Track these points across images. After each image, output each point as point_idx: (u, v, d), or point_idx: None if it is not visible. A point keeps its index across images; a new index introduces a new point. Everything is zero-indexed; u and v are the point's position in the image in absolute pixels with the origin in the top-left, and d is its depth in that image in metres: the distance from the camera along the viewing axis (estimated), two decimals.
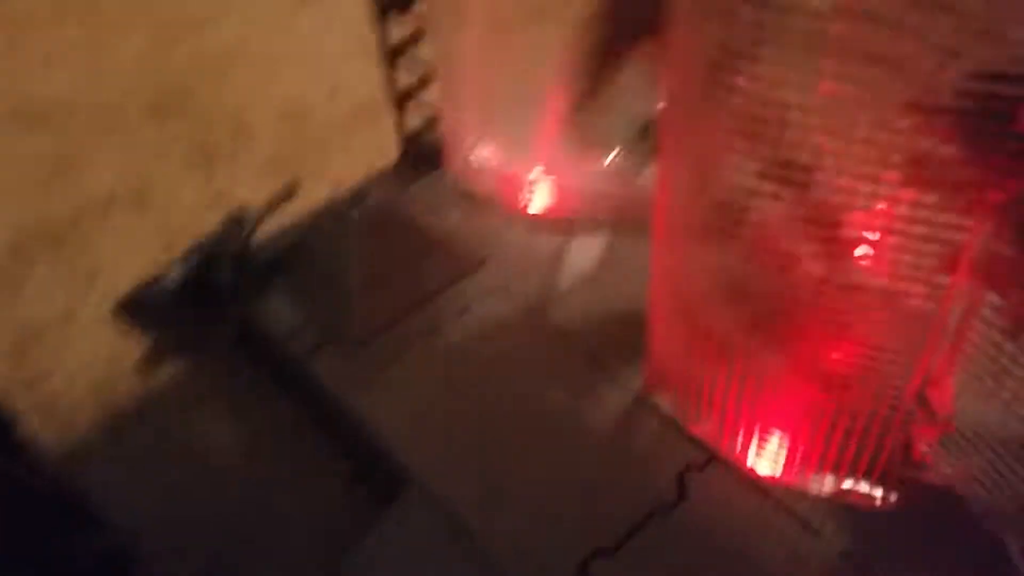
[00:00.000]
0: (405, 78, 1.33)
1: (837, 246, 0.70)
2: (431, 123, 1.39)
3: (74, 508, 0.89)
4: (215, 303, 1.25)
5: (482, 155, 1.28)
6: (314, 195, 1.49)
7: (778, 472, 0.91)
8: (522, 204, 1.30)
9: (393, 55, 1.29)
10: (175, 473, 1.09)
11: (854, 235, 0.68)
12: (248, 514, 1.04)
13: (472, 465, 0.96)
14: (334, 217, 1.17)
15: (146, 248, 1.45)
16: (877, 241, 0.68)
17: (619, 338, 1.09)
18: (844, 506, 0.89)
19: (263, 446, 1.12)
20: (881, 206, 0.65)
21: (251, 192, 1.53)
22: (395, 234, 1.17)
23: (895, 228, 0.66)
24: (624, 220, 1.24)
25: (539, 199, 1.28)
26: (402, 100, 1.36)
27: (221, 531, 1.02)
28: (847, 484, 0.88)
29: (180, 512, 1.05)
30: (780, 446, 0.90)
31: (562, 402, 1.02)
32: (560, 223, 1.27)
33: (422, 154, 1.39)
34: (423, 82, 1.33)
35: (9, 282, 1.41)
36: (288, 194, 1.47)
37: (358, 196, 1.15)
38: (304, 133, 1.70)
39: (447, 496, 0.93)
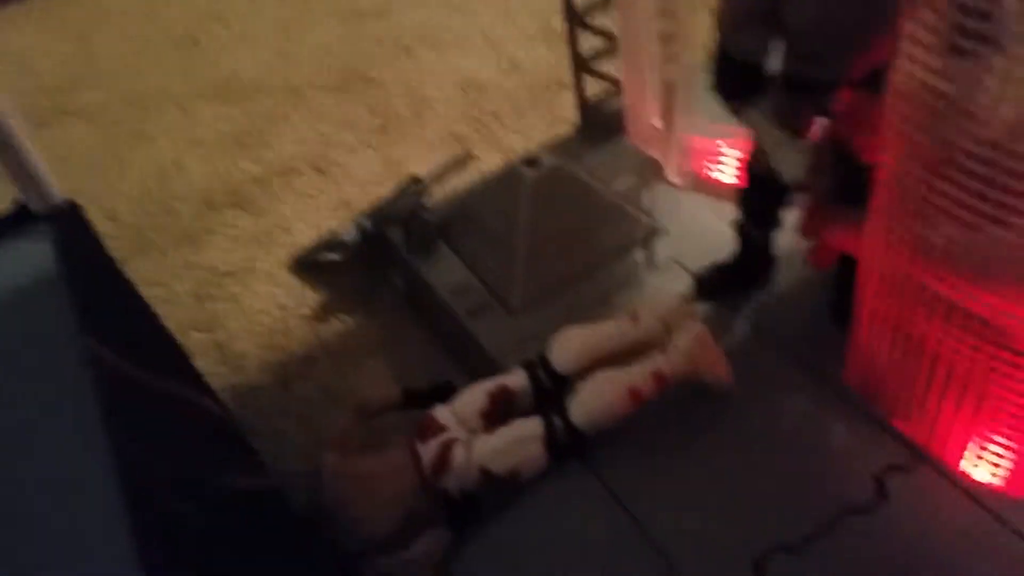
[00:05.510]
0: (587, 45, 1.29)
1: None
2: (611, 94, 1.34)
3: (241, 445, 0.91)
4: (386, 262, 1.27)
5: (663, 124, 1.21)
6: (486, 166, 1.49)
7: (998, 481, 0.78)
8: (705, 174, 1.22)
9: (577, 23, 1.26)
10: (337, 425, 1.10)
11: None
12: None
13: (642, 447, 0.90)
14: (508, 178, 1.13)
15: (324, 210, 1.49)
16: None
17: (812, 325, 0.99)
18: None
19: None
20: None
21: (425, 163, 1.55)
22: (568, 198, 1.11)
23: None
24: None
25: (724, 169, 1.20)
26: (583, 68, 1.32)
27: None
28: None
29: None
30: (1003, 453, 0.76)
31: (747, 391, 0.93)
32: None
33: (601, 123, 1.34)
34: (604, 51, 1.29)
35: (198, 232, 1.50)
36: (460, 162, 1.48)
37: (533, 158, 1.11)
38: (480, 107, 1.70)
39: (616, 476, 0.88)
